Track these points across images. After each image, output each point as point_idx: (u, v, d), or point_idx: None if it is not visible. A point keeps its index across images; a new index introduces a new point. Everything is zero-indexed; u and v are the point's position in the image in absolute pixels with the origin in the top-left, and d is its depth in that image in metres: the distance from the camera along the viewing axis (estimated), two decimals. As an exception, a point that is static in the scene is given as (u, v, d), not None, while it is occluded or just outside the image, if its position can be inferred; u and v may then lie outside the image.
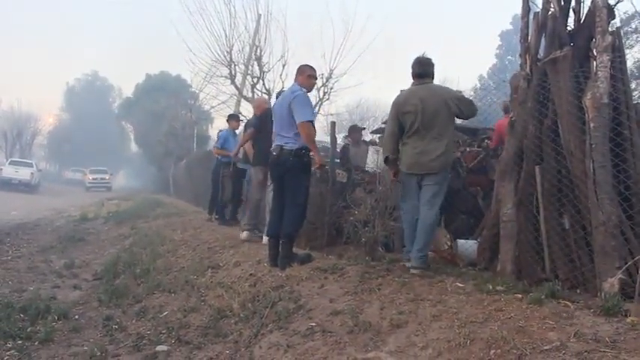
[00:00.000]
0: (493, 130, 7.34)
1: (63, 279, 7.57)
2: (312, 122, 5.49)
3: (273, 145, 5.65)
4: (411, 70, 5.09)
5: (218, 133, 11.42)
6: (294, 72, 5.80)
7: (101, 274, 7.78)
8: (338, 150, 8.57)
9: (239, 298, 4.97)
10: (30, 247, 10.42)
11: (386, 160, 5.24)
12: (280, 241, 5.49)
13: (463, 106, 4.95)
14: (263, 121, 6.95)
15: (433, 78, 5.13)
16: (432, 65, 5.08)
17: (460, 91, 5.33)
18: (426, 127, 4.84)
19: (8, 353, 4.47)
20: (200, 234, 9.03)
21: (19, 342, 4.69)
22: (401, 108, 4.98)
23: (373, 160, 7.50)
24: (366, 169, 7.83)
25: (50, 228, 13.82)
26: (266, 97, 14.89)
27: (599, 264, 3.72)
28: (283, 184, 5.57)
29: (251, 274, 5.58)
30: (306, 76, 5.70)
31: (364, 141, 9.14)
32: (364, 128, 10.15)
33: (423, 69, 5.04)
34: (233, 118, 10.75)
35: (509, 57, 38.32)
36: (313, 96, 15.55)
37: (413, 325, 3.53)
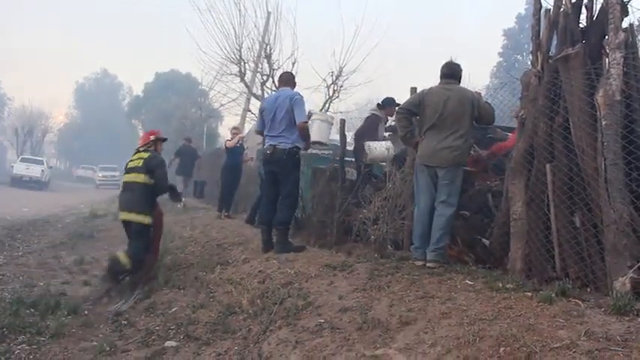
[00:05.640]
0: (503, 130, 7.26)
1: (73, 275, 7.62)
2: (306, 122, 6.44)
3: (265, 145, 6.30)
4: (439, 72, 5.24)
5: None
6: (297, 72, 6.33)
7: (111, 270, 7.81)
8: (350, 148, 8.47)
9: (248, 295, 4.98)
10: (40, 243, 10.50)
11: (404, 138, 5.37)
12: (276, 229, 6.21)
13: (483, 112, 5.09)
14: None
15: (460, 81, 5.26)
16: (460, 69, 5.25)
17: (487, 102, 5.42)
18: (444, 123, 4.96)
19: (19, 347, 4.51)
20: (209, 231, 9.06)
21: (30, 336, 4.73)
22: (426, 98, 5.11)
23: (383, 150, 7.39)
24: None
25: (60, 225, 13.91)
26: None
27: (610, 262, 3.68)
28: (275, 178, 6.27)
29: (260, 271, 5.59)
30: (294, 83, 6.69)
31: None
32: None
33: (449, 71, 5.20)
34: None
35: (517, 55, 37.95)
36: (323, 94, 15.57)
37: (422, 322, 3.52)
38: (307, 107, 6.97)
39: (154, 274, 6.67)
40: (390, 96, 8.32)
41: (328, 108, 15.63)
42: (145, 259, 6.65)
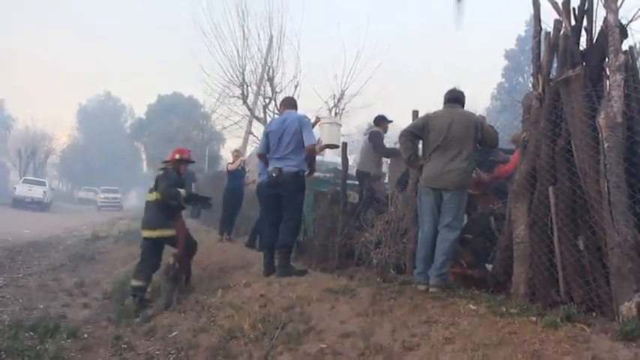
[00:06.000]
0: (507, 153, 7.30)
1: (73, 297, 7.57)
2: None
3: (270, 167, 6.24)
4: (443, 98, 5.29)
5: None
6: (299, 95, 6.38)
7: (111, 293, 7.76)
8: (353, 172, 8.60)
9: (249, 319, 4.92)
10: (41, 265, 10.45)
11: (408, 161, 5.31)
12: (278, 252, 6.16)
13: (487, 135, 5.07)
14: None
15: (463, 106, 5.29)
16: (463, 95, 5.30)
17: (491, 126, 5.44)
18: (449, 145, 4.95)
19: (17, 372, 4.46)
20: (210, 254, 9.01)
21: (28, 360, 4.67)
22: (430, 122, 5.10)
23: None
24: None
25: (61, 246, 13.87)
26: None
27: (615, 287, 3.65)
28: (279, 201, 6.21)
29: (261, 295, 5.54)
30: (297, 108, 6.66)
31: None
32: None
33: (453, 95, 5.24)
34: None
35: (519, 77, 38.09)
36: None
37: (425, 347, 3.48)
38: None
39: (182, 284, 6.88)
40: (380, 114, 8.69)
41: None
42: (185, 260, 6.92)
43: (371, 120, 8.81)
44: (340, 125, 8.34)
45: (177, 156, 7.10)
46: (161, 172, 6.86)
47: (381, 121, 8.57)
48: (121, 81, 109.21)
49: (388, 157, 8.48)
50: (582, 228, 4.17)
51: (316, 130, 7.96)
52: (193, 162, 7.54)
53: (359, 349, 3.73)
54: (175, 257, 6.69)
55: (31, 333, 5.40)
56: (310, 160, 6.30)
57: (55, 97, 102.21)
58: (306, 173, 6.30)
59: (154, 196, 6.79)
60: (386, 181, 9.29)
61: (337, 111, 15.75)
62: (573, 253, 4.15)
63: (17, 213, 25.79)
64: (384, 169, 9.27)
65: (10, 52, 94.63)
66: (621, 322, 3.27)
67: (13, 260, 10.57)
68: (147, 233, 6.82)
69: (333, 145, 7.81)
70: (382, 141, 8.30)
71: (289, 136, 6.11)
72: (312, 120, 6.94)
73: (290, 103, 6.73)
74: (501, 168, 6.76)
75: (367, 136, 8.50)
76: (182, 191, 6.81)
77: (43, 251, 12.53)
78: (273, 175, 6.15)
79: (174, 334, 5.38)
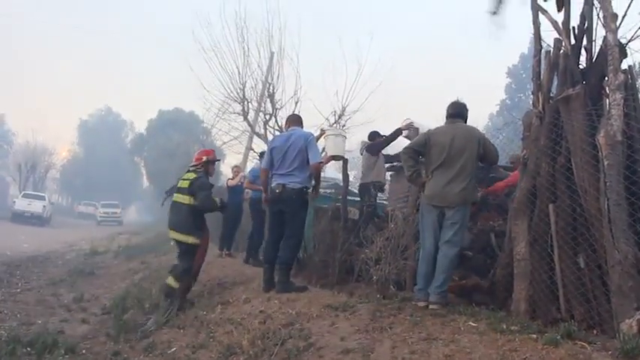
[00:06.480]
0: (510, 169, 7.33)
1: (71, 313, 7.55)
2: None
3: (273, 183, 6.22)
4: (445, 112, 5.26)
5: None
6: (300, 111, 6.37)
7: (110, 308, 7.73)
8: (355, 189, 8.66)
9: (248, 335, 4.89)
10: (40, 280, 10.43)
11: (410, 178, 5.27)
12: (278, 268, 6.11)
13: (487, 151, 5.04)
14: None
15: (465, 120, 5.27)
16: (465, 109, 5.26)
17: (492, 144, 5.46)
18: (451, 161, 4.93)
19: (14, 388, 4.43)
20: (210, 269, 8.98)
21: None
22: (432, 138, 5.10)
23: None
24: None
25: (60, 261, 13.85)
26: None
27: (616, 304, 3.64)
28: (282, 218, 6.19)
29: (261, 311, 5.51)
30: (302, 125, 6.68)
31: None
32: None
33: (455, 110, 5.22)
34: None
35: (520, 95, 38.19)
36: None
37: (425, 365, 3.46)
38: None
39: (185, 295, 6.88)
40: (374, 130, 9.10)
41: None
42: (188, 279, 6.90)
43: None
44: (345, 137, 8.40)
45: (204, 158, 7.12)
46: (195, 177, 6.84)
47: (375, 137, 8.79)
48: (121, 96, 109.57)
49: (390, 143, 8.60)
50: (582, 246, 4.18)
51: (321, 142, 8.02)
52: (219, 160, 7.62)
53: (359, 366, 3.71)
54: (176, 279, 6.64)
55: (29, 349, 5.36)
56: (315, 177, 6.29)
57: (55, 111, 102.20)
58: (310, 190, 6.28)
59: (187, 199, 6.76)
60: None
61: (338, 127, 15.78)
62: (574, 271, 4.15)
63: (16, 227, 25.76)
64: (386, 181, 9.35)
65: (11, 66, 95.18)
66: (622, 340, 3.25)
67: (11, 275, 10.54)
68: (174, 235, 6.85)
69: (338, 156, 7.85)
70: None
71: (294, 152, 6.08)
72: (317, 133, 6.95)
73: (295, 120, 6.74)
74: (497, 184, 6.79)
75: (365, 149, 8.63)
76: (217, 200, 6.99)
77: (41, 266, 12.51)
78: (277, 191, 6.12)
79: (173, 350, 5.34)
